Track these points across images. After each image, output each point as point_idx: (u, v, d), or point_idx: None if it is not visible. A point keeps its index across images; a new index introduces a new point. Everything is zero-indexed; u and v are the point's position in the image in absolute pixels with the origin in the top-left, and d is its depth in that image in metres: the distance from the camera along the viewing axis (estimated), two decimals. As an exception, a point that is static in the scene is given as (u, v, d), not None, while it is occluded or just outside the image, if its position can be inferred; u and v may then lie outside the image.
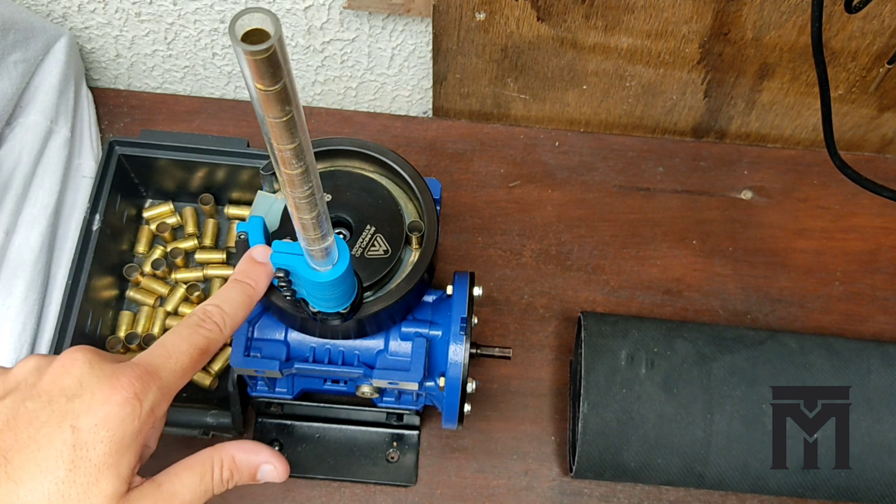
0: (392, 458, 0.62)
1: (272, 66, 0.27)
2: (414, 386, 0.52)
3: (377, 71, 0.73)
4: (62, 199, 0.64)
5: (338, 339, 0.53)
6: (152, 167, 0.64)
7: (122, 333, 0.63)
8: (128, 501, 0.39)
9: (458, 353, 0.52)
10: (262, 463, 0.45)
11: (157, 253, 0.66)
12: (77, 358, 0.41)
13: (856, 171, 0.57)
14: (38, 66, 0.65)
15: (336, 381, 0.56)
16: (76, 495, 0.38)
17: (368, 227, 0.51)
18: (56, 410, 0.39)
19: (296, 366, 0.53)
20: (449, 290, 0.54)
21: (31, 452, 0.38)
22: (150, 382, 0.40)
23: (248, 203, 0.68)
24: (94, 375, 0.40)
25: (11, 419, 0.39)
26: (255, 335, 0.53)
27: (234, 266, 0.66)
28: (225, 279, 0.66)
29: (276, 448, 0.61)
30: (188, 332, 0.43)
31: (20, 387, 0.41)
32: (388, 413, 0.62)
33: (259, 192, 0.51)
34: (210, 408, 0.59)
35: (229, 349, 0.62)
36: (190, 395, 0.62)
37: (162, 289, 0.65)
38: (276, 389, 0.57)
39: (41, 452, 0.38)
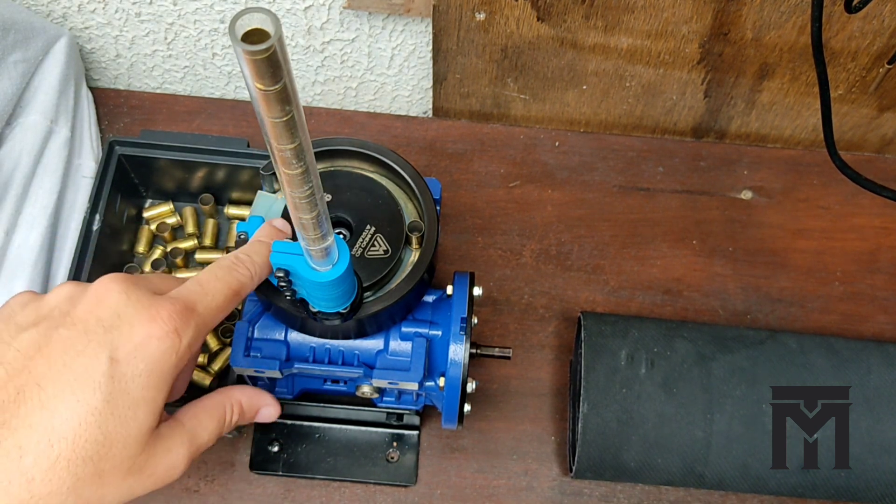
0: (392, 458, 0.62)
1: (272, 66, 0.27)
2: (414, 386, 0.52)
3: (377, 71, 0.73)
4: (62, 199, 0.64)
5: (338, 339, 0.53)
6: (152, 167, 0.64)
7: (122, 333, 0.63)
8: (157, 436, 0.40)
9: (458, 353, 0.52)
10: (262, 406, 0.49)
11: (157, 253, 0.66)
12: (112, 288, 0.40)
13: (856, 171, 0.57)
14: (38, 66, 0.65)
15: (336, 382, 0.56)
16: (112, 426, 0.37)
17: (368, 227, 0.51)
18: (93, 340, 0.38)
19: (296, 366, 0.53)
20: (449, 290, 0.54)
21: (66, 382, 0.37)
22: (190, 318, 0.40)
23: (248, 203, 0.68)
24: (132, 306, 0.39)
25: (44, 346, 0.38)
26: (255, 335, 0.53)
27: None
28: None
29: (276, 449, 0.61)
30: (223, 273, 0.43)
31: (53, 314, 0.40)
32: (388, 413, 0.62)
33: (259, 192, 0.51)
34: (210, 408, 0.59)
35: (229, 349, 0.62)
36: (190, 395, 0.62)
37: (162, 289, 0.65)
38: (277, 389, 0.57)
39: (77, 382, 0.37)
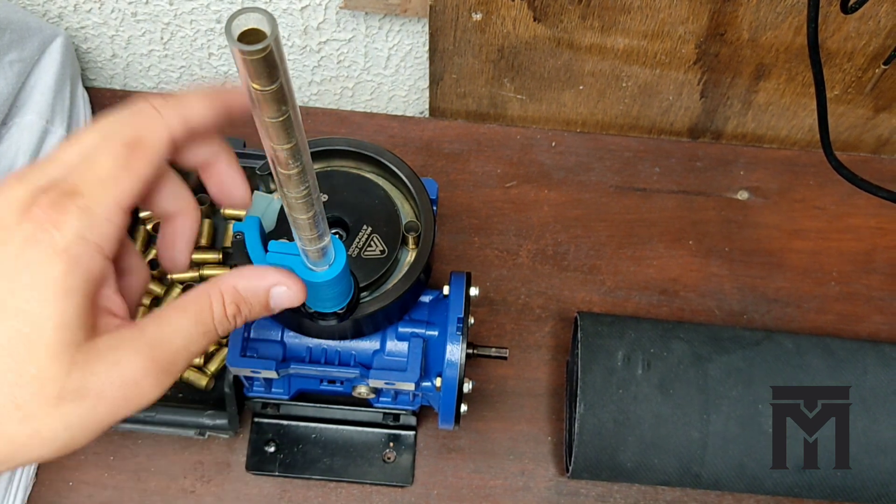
0: (388, 458, 0.62)
1: (268, 66, 0.27)
2: (410, 386, 0.52)
3: (374, 71, 0.73)
4: (58, 199, 0.64)
5: (334, 339, 0.53)
6: (148, 167, 0.64)
7: (118, 334, 0.63)
8: (93, 348, 0.32)
9: (455, 353, 0.52)
10: (271, 286, 0.37)
11: (153, 253, 0.66)
12: (11, 185, 0.32)
13: (852, 171, 0.57)
14: (34, 66, 0.65)
15: (332, 382, 0.56)
16: (12, 348, 0.30)
17: (365, 227, 0.51)
18: None
19: (292, 366, 0.53)
20: (445, 290, 0.54)
21: None
22: (67, 205, 0.31)
23: (245, 203, 0.67)
24: (8, 208, 0.31)
25: None
26: (252, 335, 0.53)
27: (231, 266, 0.66)
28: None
29: (272, 449, 0.61)
30: (108, 124, 0.33)
31: None
32: (384, 413, 0.62)
33: (255, 192, 0.51)
34: (206, 408, 0.59)
35: (226, 350, 0.62)
36: (186, 396, 0.62)
37: (158, 289, 0.65)
38: (273, 390, 0.57)
39: None
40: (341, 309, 0.46)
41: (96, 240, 0.32)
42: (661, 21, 0.63)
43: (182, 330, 0.34)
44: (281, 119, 0.30)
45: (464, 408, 0.53)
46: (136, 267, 0.38)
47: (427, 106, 0.76)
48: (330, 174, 0.53)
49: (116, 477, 0.61)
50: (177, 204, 0.39)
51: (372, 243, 0.50)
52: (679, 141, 0.75)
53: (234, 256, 0.51)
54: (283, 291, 0.37)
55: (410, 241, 0.51)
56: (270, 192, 0.51)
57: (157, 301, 0.65)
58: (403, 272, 0.50)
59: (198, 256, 0.66)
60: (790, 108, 0.72)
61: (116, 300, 0.34)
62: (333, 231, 0.51)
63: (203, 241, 0.67)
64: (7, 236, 0.31)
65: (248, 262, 0.47)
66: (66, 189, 0.31)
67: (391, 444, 0.62)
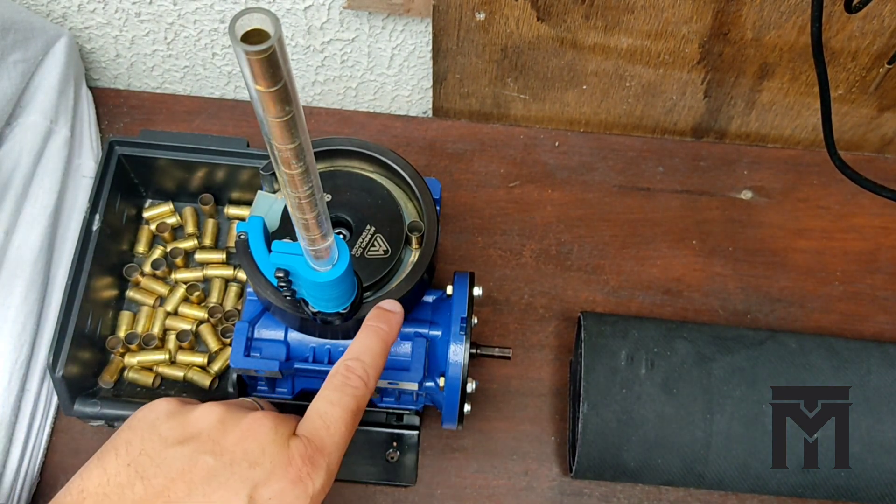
0: (392, 458, 0.62)
1: (272, 66, 0.27)
2: (414, 386, 0.52)
3: (377, 71, 0.73)
4: (62, 199, 0.64)
5: (338, 339, 0.53)
6: (152, 167, 0.64)
7: (122, 333, 0.63)
8: None
9: (458, 353, 0.52)
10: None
11: (157, 253, 0.66)
12: (265, 424, 0.40)
13: (855, 171, 0.57)
14: (38, 67, 0.65)
15: (336, 381, 0.56)
16: None
17: (368, 227, 0.51)
18: (236, 474, 0.38)
19: (296, 366, 0.53)
20: (449, 290, 0.54)
21: None
22: (320, 460, 0.40)
23: (248, 203, 0.68)
24: (276, 444, 0.39)
25: (188, 470, 0.38)
26: (255, 335, 0.53)
27: (235, 266, 0.67)
28: (225, 279, 0.66)
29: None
30: (337, 396, 0.42)
31: (202, 437, 0.40)
32: (387, 413, 0.62)
33: (259, 192, 0.51)
34: (210, 408, 0.59)
35: (229, 350, 0.62)
36: (189, 396, 0.62)
37: (162, 289, 0.65)
38: (277, 390, 0.57)
39: None
40: (345, 309, 0.46)
41: (327, 490, 0.41)
42: (665, 20, 0.63)
43: None
44: (284, 119, 0.30)
45: (467, 408, 0.53)
46: None
47: (430, 106, 0.76)
48: (333, 174, 0.53)
49: (120, 476, 0.61)
50: None
51: (375, 243, 0.50)
52: (682, 140, 0.75)
53: (238, 256, 0.52)
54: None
55: (414, 240, 0.51)
56: (274, 191, 0.51)
57: (161, 300, 0.65)
58: (407, 272, 0.50)
59: (201, 256, 0.66)
60: (794, 108, 0.72)
61: None
62: (337, 231, 0.51)
63: (207, 241, 0.67)
64: (282, 474, 0.39)
65: (252, 261, 0.48)
66: (318, 447, 0.41)
67: (394, 444, 0.62)
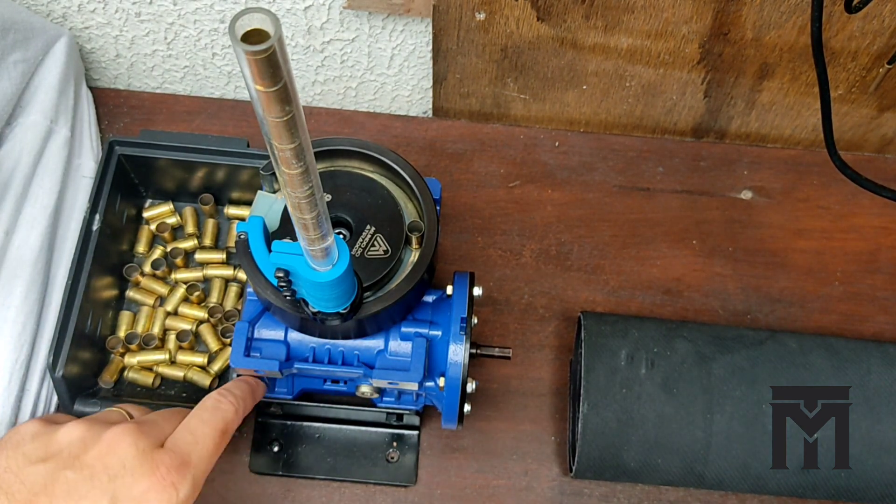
0: (392, 458, 0.62)
1: (272, 66, 0.27)
2: (414, 386, 0.52)
3: (377, 71, 0.73)
4: (62, 199, 0.64)
5: (338, 339, 0.53)
6: (152, 167, 0.64)
7: (122, 333, 0.63)
8: None
9: (458, 353, 0.52)
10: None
11: (157, 253, 0.66)
12: (124, 439, 0.42)
13: (856, 171, 0.57)
14: (38, 66, 0.65)
15: (336, 382, 0.56)
16: None
17: (368, 227, 0.51)
18: (97, 487, 0.40)
19: (296, 366, 0.53)
20: (449, 290, 0.54)
21: None
22: (185, 471, 0.42)
23: (248, 203, 0.68)
24: (138, 458, 0.42)
25: (50, 485, 0.40)
26: (255, 335, 0.53)
27: (235, 266, 0.67)
28: (225, 279, 0.66)
29: (276, 449, 0.61)
30: (209, 415, 0.46)
31: (63, 454, 0.42)
32: (387, 413, 0.62)
33: (259, 192, 0.51)
34: (210, 408, 0.59)
35: (229, 349, 0.62)
36: (189, 396, 0.62)
37: (162, 289, 0.65)
38: (276, 389, 0.57)
39: None
40: (345, 309, 0.46)
41: (192, 500, 0.43)
42: (665, 20, 0.63)
43: None
44: (284, 119, 0.30)
45: (467, 408, 0.53)
46: None
47: (430, 106, 0.76)
48: (333, 174, 0.53)
49: (120, 476, 0.61)
50: None
51: (375, 243, 0.50)
52: (683, 140, 0.75)
53: (238, 256, 0.52)
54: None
55: (414, 240, 0.51)
56: (274, 191, 0.51)
57: (161, 300, 0.65)
58: (407, 272, 0.50)
59: (201, 256, 0.66)
60: (794, 108, 0.72)
61: None
62: (337, 231, 0.51)
63: (207, 241, 0.67)
64: (138, 480, 0.41)
65: (252, 261, 0.48)
66: (184, 458, 0.43)
67: (394, 444, 0.62)
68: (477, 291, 0.54)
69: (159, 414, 0.49)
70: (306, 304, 0.46)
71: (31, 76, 0.64)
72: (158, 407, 0.54)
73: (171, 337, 0.64)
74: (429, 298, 0.55)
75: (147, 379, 0.62)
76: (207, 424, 0.46)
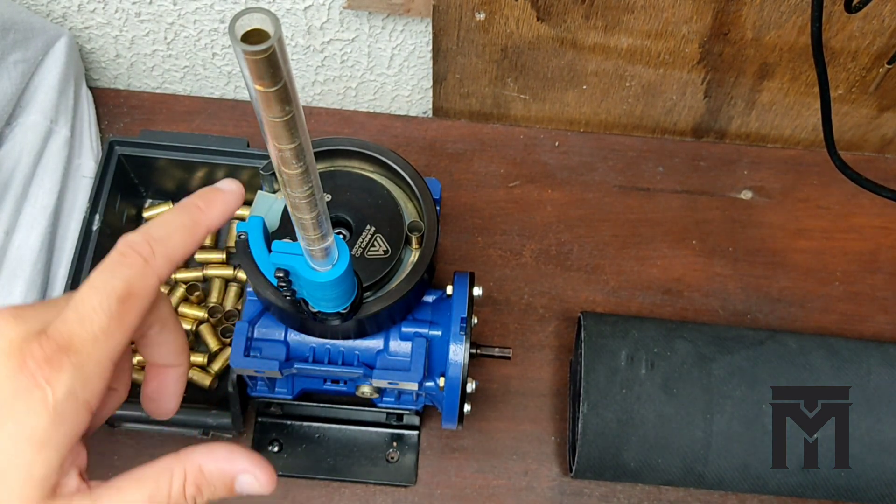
0: (392, 458, 0.62)
1: (272, 66, 0.27)
2: (414, 386, 0.52)
3: (377, 71, 0.73)
4: (62, 199, 0.64)
5: (338, 339, 0.53)
6: (152, 167, 0.64)
7: (121, 333, 0.63)
8: None
9: (458, 353, 0.52)
10: (238, 473, 0.35)
11: (157, 253, 0.66)
12: None
13: (856, 171, 0.57)
14: (38, 66, 0.65)
15: (336, 382, 0.56)
16: None
17: (368, 227, 0.51)
18: None
19: (295, 366, 0.53)
20: (449, 290, 0.54)
21: None
22: (62, 362, 0.31)
23: (248, 203, 0.67)
24: (4, 354, 0.31)
25: None
26: (255, 335, 0.53)
27: (235, 266, 0.66)
28: (225, 279, 0.66)
29: (276, 449, 0.61)
30: (102, 279, 0.33)
31: None
32: (387, 413, 0.62)
33: (259, 192, 0.51)
34: (210, 408, 0.59)
35: (230, 349, 0.62)
36: (189, 396, 0.62)
37: (162, 288, 0.65)
38: (276, 389, 0.57)
39: None
40: (345, 309, 0.46)
41: (86, 396, 0.31)
42: (665, 20, 0.63)
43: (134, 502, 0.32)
44: (284, 119, 0.30)
45: (467, 408, 0.53)
46: (121, 388, 0.37)
47: (430, 106, 0.76)
48: (333, 174, 0.53)
49: (120, 476, 0.61)
50: (168, 356, 0.38)
51: (375, 243, 0.50)
52: (683, 140, 0.75)
53: (238, 256, 0.52)
54: (251, 481, 0.35)
55: (414, 240, 0.51)
56: (274, 191, 0.51)
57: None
58: (407, 272, 0.50)
59: (201, 256, 0.66)
60: (794, 108, 0.72)
61: (82, 453, 0.34)
62: (337, 231, 0.51)
63: (207, 241, 0.67)
64: (9, 386, 0.30)
65: (252, 261, 0.48)
66: (61, 344, 0.31)
67: (394, 444, 0.62)
68: (477, 291, 0.54)
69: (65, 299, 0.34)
70: (306, 304, 0.46)
71: (31, 76, 0.64)
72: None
73: (171, 337, 0.64)
74: (429, 298, 0.55)
75: (147, 379, 0.62)
76: (99, 291, 0.32)
